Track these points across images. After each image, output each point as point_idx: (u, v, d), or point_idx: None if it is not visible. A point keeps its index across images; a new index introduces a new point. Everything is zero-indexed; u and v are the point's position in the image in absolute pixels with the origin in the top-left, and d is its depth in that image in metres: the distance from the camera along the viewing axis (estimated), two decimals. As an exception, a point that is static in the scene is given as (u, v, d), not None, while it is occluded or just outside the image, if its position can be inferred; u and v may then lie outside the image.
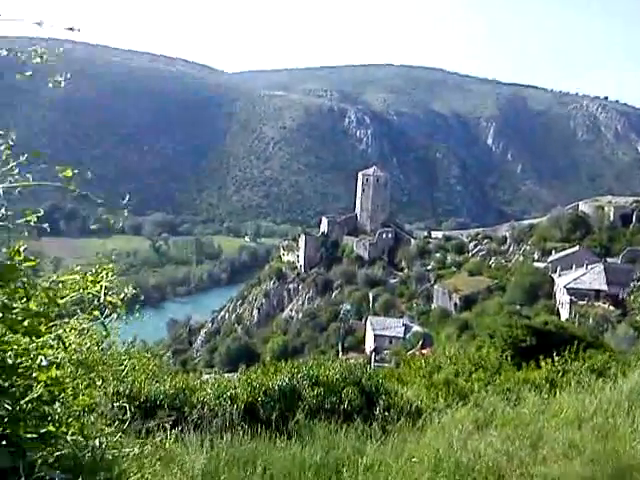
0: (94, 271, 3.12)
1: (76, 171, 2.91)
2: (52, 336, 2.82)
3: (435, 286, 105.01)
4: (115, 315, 3.25)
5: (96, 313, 3.11)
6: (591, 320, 65.93)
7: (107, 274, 3.09)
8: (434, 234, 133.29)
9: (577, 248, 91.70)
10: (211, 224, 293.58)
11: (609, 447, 7.66)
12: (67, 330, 3.14)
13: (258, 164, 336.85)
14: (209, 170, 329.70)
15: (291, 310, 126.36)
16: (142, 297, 3.46)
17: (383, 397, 10.23)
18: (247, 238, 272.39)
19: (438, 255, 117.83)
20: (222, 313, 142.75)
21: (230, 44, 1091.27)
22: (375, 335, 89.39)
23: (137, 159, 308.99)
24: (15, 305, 2.64)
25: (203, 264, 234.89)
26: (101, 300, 3.05)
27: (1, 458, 2.36)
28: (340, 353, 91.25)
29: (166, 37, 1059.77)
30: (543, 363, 14.10)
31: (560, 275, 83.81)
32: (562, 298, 78.25)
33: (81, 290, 2.98)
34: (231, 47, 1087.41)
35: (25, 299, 2.66)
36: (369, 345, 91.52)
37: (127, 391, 8.26)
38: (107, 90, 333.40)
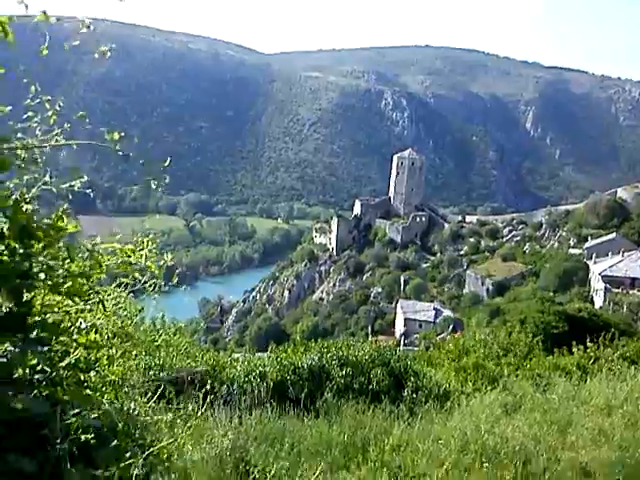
0: (135, 240, 3.21)
1: (122, 134, 3.00)
2: (93, 299, 2.92)
3: (467, 271, 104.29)
4: (153, 287, 3.33)
5: (137, 275, 3.18)
6: (625, 308, 64.96)
7: (148, 243, 3.18)
8: (468, 219, 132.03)
9: (614, 235, 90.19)
10: (245, 205, 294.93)
11: (638, 435, 7.62)
12: (106, 296, 3.24)
13: (293, 146, 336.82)
14: (244, 151, 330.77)
15: (322, 292, 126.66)
16: (179, 270, 3.54)
17: (412, 379, 10.28)
18: (280, 220, 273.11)
19: (472, 240, 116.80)
20: (254, 293, 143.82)
21: (268, 25, 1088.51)
22: (405, 319, 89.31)
23: (173, 139, 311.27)
24: (58, 266, 2.73)
25: (236, 244, 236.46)
26: (142, 266, 3.13)
27: (40, 405, 2.45)
28: (370, 336, 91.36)
29: (205, 17, 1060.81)
30: (575, 349, 14.01)
31: (595, 262, 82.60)
32: (597, 285, 77.15)
33: (122, 256, 3.06)
34: (269, 28, 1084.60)
35: (68, 260, 2.75)
36: (399, 329, 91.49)
37: (159, 366, 8.42)
38: (144, 71, 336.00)
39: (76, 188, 2.93)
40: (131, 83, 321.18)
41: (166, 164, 3.17)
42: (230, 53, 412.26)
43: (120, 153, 3.00)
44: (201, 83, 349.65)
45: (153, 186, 3.13)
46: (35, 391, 2.51)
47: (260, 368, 9.89)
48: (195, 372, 8.90)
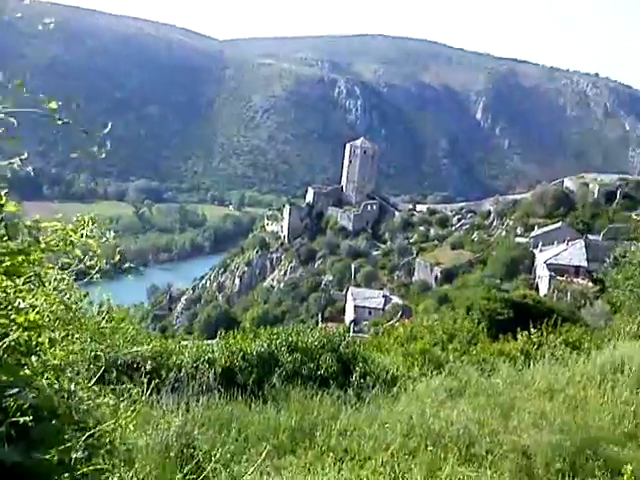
0: (76, 219, 3.13)
1: (60, 103, 2.92)
2: (32, 279, 2.85)
3: (417, 259, 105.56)
4: (97, 269, 3.26)
5: (77, 252, 3.11)
6: (569, 296, 66.72)
7: (89, 222, 3.11)
8: (419, 207, 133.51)
9: (559, 224, 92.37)
10: (196, 192, 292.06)
11: (579, 418, 7.85)
12: (47, 276, 3.17)
13: (245, 133, 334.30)
14: (196, 138, 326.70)
15: (273, 280, 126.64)
16: (123, 253, 3.47)
17: (360, 364, 10.38)
18: (232, 207, 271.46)
19: (422, 228, 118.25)
20: (204, 281, 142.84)
21: (221, 11, 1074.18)
22: (355, 306, 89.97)
23: (123, 125, 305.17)
24: None
25: (186, 232, 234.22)
26: (81, 245, 3.06)
27: None
28: (320, 323, 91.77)
29: (156, 2, 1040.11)
30: (519, 335, 14.32)
31: (541, 251, 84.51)
32: (542, 273, 79.01)
33: (63, 235, 2.99)
34: (222, 14, 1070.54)
35: (6, 238, 2.68)
36: (349, 316, 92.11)
37: (105, 353, 8.30)
38: (93, 56, 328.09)
39: (15, 166, 2.85)
40: (80, 68, 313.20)
41: (106, 130, 3.10)
42: (181, 38, 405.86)
43: (59, 121, 2.93)
44: (152, 69, 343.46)
45: (94, 150, 3.05)
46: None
47: (209, 354, 9.86)
48: (140, 357, 8.81)
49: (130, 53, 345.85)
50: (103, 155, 2.94)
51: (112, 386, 4.87)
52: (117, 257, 3.32)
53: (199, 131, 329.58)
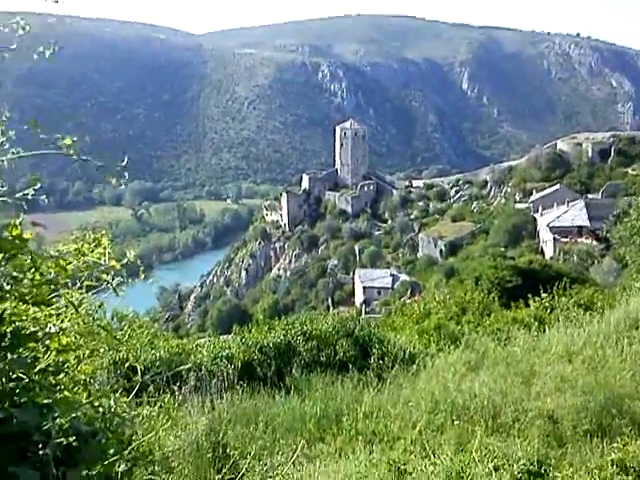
0: (90, 237, 3.15)
1: (75, 139, 2.92)
2: (61, 303, 2.88)
3: (420, 235, 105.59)
4: (116, 282, 3.27)
5: (105, 277, 3.13)
6: (575, 257, 66.84)
7: (101, 239, 3.12)
8: (415, 183, 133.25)
9: (557, 187, 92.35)
10: (192, 189, 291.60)
11: (599, 378, 7.86)
12: (72, 298, 3.19)
13: (234, 125, 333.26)
14: (185, 135, 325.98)
15: (279, 269, 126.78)
16: (140, 262, 3.47)
17: (377, 346, 10.39)
18: (229, 200, 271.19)
19: (421, 204, 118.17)
20: (210, 277, 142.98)
21: (195, 5, 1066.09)
22: (364, 287, 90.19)
23: (111, 128, 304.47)
24: (24, 276, 2.69)
25: (187, 229, 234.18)
26: (104, 264, 3.07)
27: (24, 412, 2.46)
28: (331, 308, 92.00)
29: (132, 2, 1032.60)
30: (531, 302, 14.34)
31: (542, 214, 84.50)
32: (545, 237, 79.09)
33: (83, 256, 3.01)
34: (196, 8, 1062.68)
35: (33, 269, 2.70)
36: (359, 298, 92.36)
37: (124, 360, 8.33)
38: (72, 62, 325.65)
39: (30, 196, 2.87)
40: (61, 75, 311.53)
41: (123, 163, 3.11)
42: (160, 36, 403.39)
43: (76, 158, 2.93)
44: (133, 69, 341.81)
45: (113, 182, 3.08)
46: (15, 399, 2.47)
47: (226, 350, 9.88)
48: (160, 360, 8.84)
49: (110, 56, 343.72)
50: (122, 186, 2.96)
51: (142, 397, 4.88)
52: (131, 257, 3.31)
53: (188, 128, 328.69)
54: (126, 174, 3.05)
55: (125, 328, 6.96)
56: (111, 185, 3.48)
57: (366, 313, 74.50)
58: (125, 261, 3.19)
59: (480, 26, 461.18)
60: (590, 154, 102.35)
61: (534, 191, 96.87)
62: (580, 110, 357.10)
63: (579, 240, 74.26)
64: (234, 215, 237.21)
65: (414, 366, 9.72)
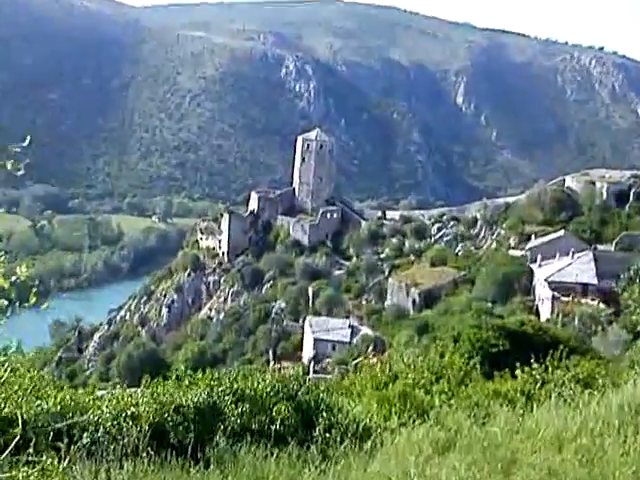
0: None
1: None
2: None
3: (390, 279, 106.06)
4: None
5: None
6: (577, 320, 67.79)
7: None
8: (389, 214, 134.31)
9: (562, 233, 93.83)
10: (109, 199, 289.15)
11: (595, 473, 7.91)
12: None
13: (171, 124, 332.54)
14: (107, 130, 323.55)
15: (210, 309, 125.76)
16: (33, 284, 3.43)
17: (324, 415, 10.35)
18: (155, 218, 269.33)
19: (394, 241, 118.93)
20: (122, 313, 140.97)
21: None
22: (315, 339, 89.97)
23: (10, 113, 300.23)
24: None
25: (98, 250, 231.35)
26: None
27: None
28: (271, 362, 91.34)
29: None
30: (518, 372, 14.48)
31: (541, 265, 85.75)
32: (542, 293, 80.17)
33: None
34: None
35: None
36: (307, 352, 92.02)
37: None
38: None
39: None
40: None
41: (25, 143, 3.08)
42: (85, 4, 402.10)
43: None
44: (48, 43, 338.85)
45: (9, 167, 3.04)
46: None
47: (133, 408, 9.72)
48: (46, 414, 8.65)
49: (19, 23, 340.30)
50: (21, 172, 2.93)
51: (20, 456, 4.79)
52: (22, 274, 3.27)
53: (111, 122, 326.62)
54: (27, 160, 3.02)
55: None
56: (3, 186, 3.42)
57: (315, 372, 74.20)
58: (14, 279, 3.14)
59: (484, 28, 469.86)
60: (605, 196, 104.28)
61: (533, 236, 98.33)
62: (597, 141, 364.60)
63: (583, 301, 75.37)
64: (160, 236, 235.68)
65: (369, 443, 9.70)
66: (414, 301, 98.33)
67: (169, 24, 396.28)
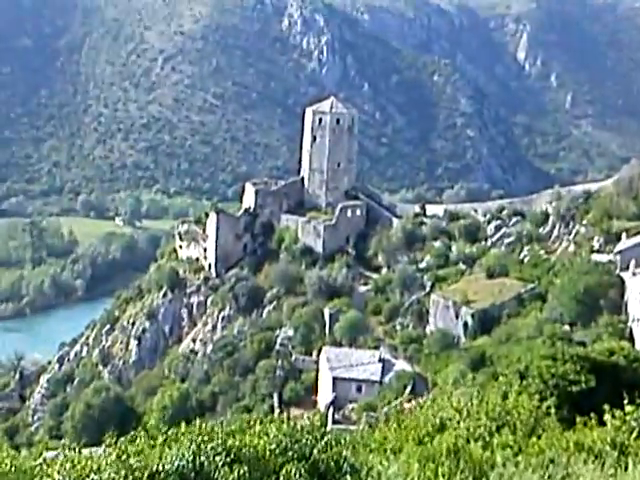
0: None
1: None
2: None
3: (432, 296, 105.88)
4: None
5: None
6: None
7: None
8: (430, 210, 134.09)
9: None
10: (57, 197, 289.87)
11: None
12: None
13: (137, 95, 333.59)
14: (53, 106, 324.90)
15: (194, 340, 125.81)
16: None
17: (348, 479, 10.35)
18: (119, 220, 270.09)
19: (437, 245, 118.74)
20: (77, 347, 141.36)
21: None
22: (334, 378, 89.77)
23: None
24: None
25: (44, 265, 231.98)
26: None
27: None
28: (277, 410, 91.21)
29: None
30: (608, 417, 14.42)
31: (635, 274, 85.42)
32: (638, 311, 79.85)
33: None
34: None
35: None
36: (325, 395, 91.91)
37: None
38: None
39: None
40: None
41: None
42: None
43: None
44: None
45: None
46: None
47: (93, 475, 9.75)
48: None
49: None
50: None
51: None
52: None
53: (59, 95, 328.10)
54: None
55: None
56: None
57: (335, 422, 74.02)
58: None
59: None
60: None
61: (624, 235, 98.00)
62: None
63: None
64: (126, 245, 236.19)
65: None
66: (466, 325, 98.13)
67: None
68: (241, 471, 10.10)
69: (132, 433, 11.53)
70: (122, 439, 11.28)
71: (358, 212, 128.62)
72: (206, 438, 10.61)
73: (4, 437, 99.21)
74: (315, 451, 10.89)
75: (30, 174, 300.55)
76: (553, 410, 17.35)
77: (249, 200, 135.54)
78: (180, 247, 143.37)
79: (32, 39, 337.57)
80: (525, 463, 12.01)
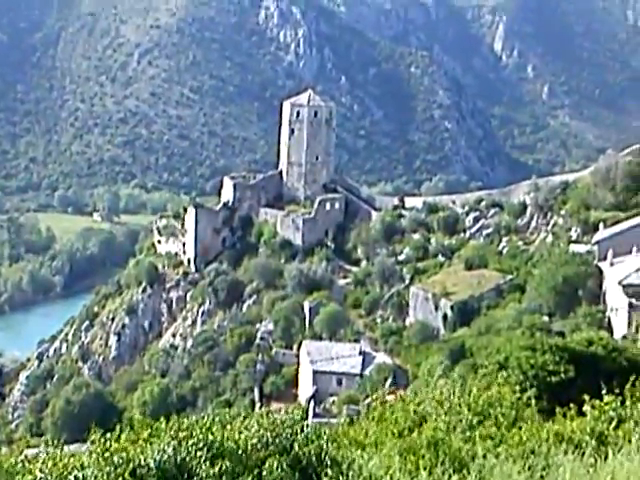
0: None
1: None
2: None
3: (412, 288, 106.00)
4: None
5: None
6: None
7: None
8: (409, 202, 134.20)
9: (639, 219, 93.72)
10: (34, 193, 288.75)
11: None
12: None
13: (114, 90, 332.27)
14: (29, 102, 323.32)
15: (174, 335, 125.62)
16: None
17: (329, 472, 10.35)
18: (97, 216, 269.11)
19: (416, 237, 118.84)
20: (56, 344, 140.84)
21: None
22: (315, 372, 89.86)
23: None
24: None
25: (21, 262, 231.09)
26: None
27: None
28: (258, 404, 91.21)
29: None
30: (587, 407, 14.47)
31: (613, 264, 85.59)
32: (616, 301, 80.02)
33: None
34: None
35: None
36: (305, 389, 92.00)
37: None
38: None
39: None
40: None
41: None
42: None
43: None
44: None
45: None
46: None
47: (76, 472, 9.73)
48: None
49: None
50: None
51: None
52: None
53: (35, 90, 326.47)
54: None
55: None
56: None
57: (316, 416, 74.09)
58: None
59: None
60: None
61: (601, 225, 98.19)
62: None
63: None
64: (104, 241, 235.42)
65: (390, 508, 9.71)
66: (445, 317, 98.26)
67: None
68: (223, 466, 10.09)
69: (117, 429, 11.49)
70: (108, 435, 11.25)
71: (337, 205, 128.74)
72: (187, 433, 10.60)
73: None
74: (296, 445, 10.90)
75: (7, 170, 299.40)
76: (533, 401, 17.40)
77: (227, 194, 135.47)
78: (159, 242, 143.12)
79: (7, 34, 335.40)
80: (506, 454, 12.03)
